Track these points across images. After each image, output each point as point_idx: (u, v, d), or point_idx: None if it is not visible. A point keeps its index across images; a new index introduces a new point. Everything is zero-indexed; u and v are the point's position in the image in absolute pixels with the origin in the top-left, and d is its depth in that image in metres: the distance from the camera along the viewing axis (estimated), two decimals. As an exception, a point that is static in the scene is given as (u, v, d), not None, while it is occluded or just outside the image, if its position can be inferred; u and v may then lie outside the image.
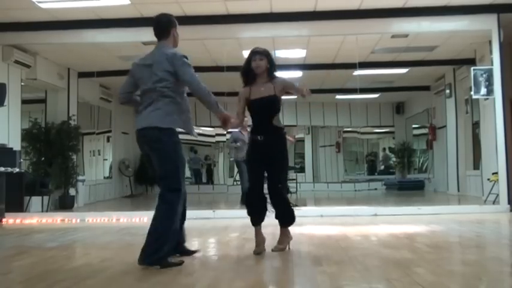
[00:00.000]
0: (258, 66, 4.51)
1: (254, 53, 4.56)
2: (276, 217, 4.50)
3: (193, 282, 3.34)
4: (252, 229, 4.42)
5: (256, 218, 4.41)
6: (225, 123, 4.09)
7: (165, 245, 3.73)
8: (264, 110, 4.47)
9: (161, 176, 3.87)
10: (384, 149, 18.29)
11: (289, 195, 4.67)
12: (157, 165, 3.88)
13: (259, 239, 4.39)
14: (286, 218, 4.49)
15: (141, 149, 4.03)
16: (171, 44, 4.08)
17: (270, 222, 4.51)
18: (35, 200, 9.43)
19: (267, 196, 4.44)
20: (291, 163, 17.40)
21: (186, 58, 3.95)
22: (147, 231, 3.81)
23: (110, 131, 13.87)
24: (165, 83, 3.87)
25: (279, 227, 4.54)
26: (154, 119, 3.85)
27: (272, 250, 4.40)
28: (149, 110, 3.89)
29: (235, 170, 14.55)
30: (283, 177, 4.56)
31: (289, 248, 4.50)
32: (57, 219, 8.16)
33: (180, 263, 3.82)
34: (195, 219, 7.58)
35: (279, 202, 4.44)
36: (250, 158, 4.53)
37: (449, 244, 5.14)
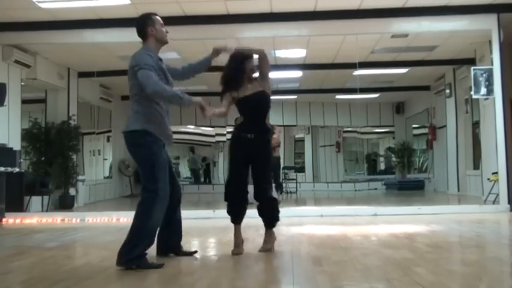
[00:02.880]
0: (255, 71, 4.49)
1: (247, 57, 4.45)
2: (260, 216, 4.46)
3: (193, 282, 3.34)
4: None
5: (238, 215, 4.37)
6: (202, 110, 4.00)
7: (139, 245, 3.73)
8: (258, 106, 4.42)
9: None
10: (389, 148, 18.30)
11: (280, 195, 4.61)
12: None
13: (239, 240, 4.35)
14: (270, 219, 4.44)
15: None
16: (151, 44, 4.04)
17: (255, 223, 4.48)
18: (35, 200, 9.43)
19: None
20: (291, 163, 17.46)
21: (139, 65, 3.81)
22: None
23: (110, 131, 13.88)
24: (135, 90, 3.92)
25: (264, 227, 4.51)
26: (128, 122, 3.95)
27: (259, 251, 4.36)
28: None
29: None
30: (268, 176, 4.48)
31: (273, 250, 4.43)
32: (57, 219, 8.16)
33: (160, 265, 3.76)
34: (195, 219, 7.58)
35: (264, 202, 4.39)
36: (236, 156, 4.41)
37: (449, 244, 5.14)
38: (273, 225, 4.46)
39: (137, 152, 3.92)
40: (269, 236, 4.45)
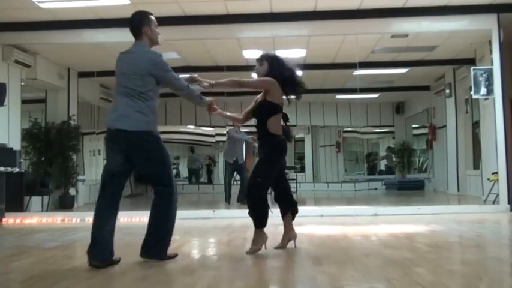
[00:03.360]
0: (257, 72, 4.51)
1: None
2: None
3: (193, 282, 3.34)
4: (252, 229, 4.41)
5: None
6: (211, 109, 4.38)
7: (168, 238, 3.98)
8: (256, 115, 4.51)
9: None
10: (389, 148, 18.31)
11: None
12: None
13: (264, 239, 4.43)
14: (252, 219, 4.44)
15: None
16: (146, 43, 4.06)
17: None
18: (35, 200, 9.43)
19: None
20: (291, 163, 17.46)
21: (167, 66, 4.03)
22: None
23: (110, 131, 13.85)
24: (149, 86, 4.02)
25: (281, 225, 4.61)
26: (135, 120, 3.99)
27: (247, 253, 4.30)
28: None
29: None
30: (257, 178, 4.41)
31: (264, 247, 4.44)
32: (57, 219, 8.16)
33: (175, 256, 4.00)
34: (195, 219, 7.58)
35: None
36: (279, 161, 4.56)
37: (449, 244, 5.14)
38: (255, 226, 4.41)
39: (151, 151, 3.92)
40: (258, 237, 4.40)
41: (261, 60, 4.49)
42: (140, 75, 3.91)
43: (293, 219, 4.66)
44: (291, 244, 4.57)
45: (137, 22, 4.05)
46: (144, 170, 4.02)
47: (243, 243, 4.98)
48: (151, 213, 3.98)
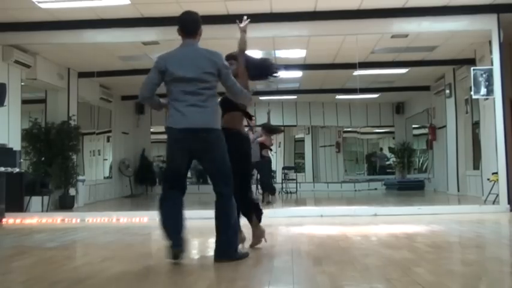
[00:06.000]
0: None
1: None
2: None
3: (193, 282, 3.34)
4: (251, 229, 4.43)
5: None
6: None
7: (237, 237, 4.10)
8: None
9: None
10: (381, 149, 18.31)
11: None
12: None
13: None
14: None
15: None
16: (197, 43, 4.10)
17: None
18: (35, 200, 9.43)
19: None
20: (291, 163, 17.47)
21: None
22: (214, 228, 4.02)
23: (110, 131, 13.88)
24: (216, 87, 4.08)
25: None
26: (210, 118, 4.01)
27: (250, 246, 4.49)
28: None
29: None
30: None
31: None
32: (57, 219, 8.16)
33: (247, 255, 4.11)
34: (196, 219, 7.57)
35: None
36: None
37: (449, 244, 5.14)
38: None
39: (221, 149, 3.96)
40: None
41: (229, 59, 4.44)
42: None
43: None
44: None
45: (197, 22, 4.05)
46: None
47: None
48: (218, 217, 4.02)
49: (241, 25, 4.48)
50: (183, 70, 3.87)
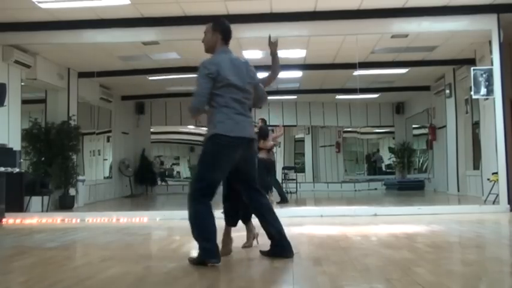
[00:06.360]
0: None
1: None
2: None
3: (193, 282, 3.34)
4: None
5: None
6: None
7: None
8: None
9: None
10: (378, 150, 18.33)
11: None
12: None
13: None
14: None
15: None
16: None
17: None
18: (35, 200, 9.43)
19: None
20: (290, 163, 17.46)
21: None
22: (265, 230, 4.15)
23: (110, 131, 13.88)
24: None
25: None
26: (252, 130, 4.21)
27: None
28: None
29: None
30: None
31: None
32: (57, 219, 8.16)
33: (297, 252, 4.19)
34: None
35: None
36: None
37: (449, 244, 5.14)
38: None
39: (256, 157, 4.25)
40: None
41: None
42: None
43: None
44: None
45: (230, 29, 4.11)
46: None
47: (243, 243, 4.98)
48: (265, 220, 4.08)
49: (272, 48, 4.42)
50: (234, 77, 3.88)
